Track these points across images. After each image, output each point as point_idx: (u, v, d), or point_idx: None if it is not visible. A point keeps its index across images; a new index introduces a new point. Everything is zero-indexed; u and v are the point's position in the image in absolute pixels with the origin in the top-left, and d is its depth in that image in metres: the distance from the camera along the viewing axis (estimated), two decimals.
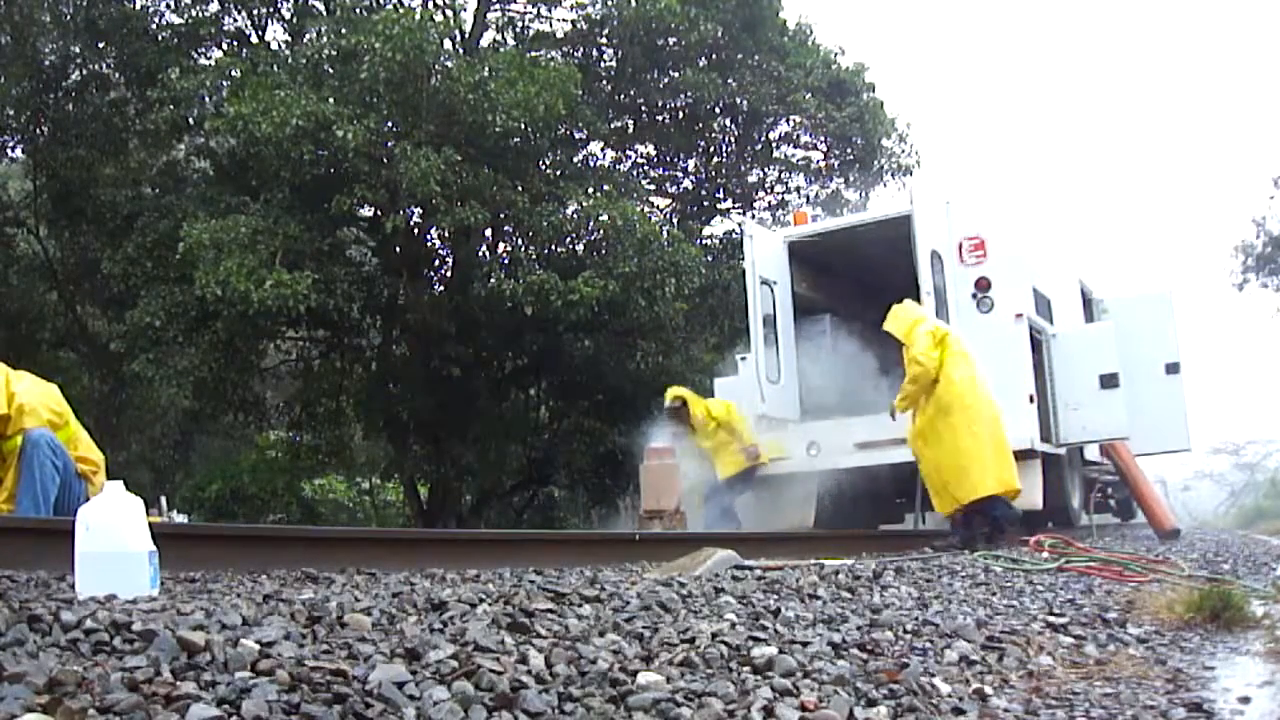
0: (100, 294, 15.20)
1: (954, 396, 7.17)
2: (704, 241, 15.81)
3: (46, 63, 14.87)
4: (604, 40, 15.04)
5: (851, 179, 16.32)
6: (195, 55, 14.68)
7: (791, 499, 9.53)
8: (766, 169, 16.89)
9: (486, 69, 12.75)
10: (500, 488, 16.52)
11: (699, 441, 9.45)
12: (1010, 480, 7.09)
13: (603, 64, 15.47)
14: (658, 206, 16.54)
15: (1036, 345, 9.18)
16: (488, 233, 14.64)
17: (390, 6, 13.41)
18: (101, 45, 14.59)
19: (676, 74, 14.60)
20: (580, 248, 13.89)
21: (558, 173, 14.52)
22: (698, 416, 9.35)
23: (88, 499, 4.98)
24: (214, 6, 14.74)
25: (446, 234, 14.41)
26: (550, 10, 15.46)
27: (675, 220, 15.93)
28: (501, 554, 4.25)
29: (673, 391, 9.59)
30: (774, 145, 16.44)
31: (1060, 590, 4.07)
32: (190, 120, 14.08)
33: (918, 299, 8.51)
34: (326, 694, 1.49)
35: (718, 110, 15.46)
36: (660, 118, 15.96)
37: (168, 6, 14.84)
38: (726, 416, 9.31)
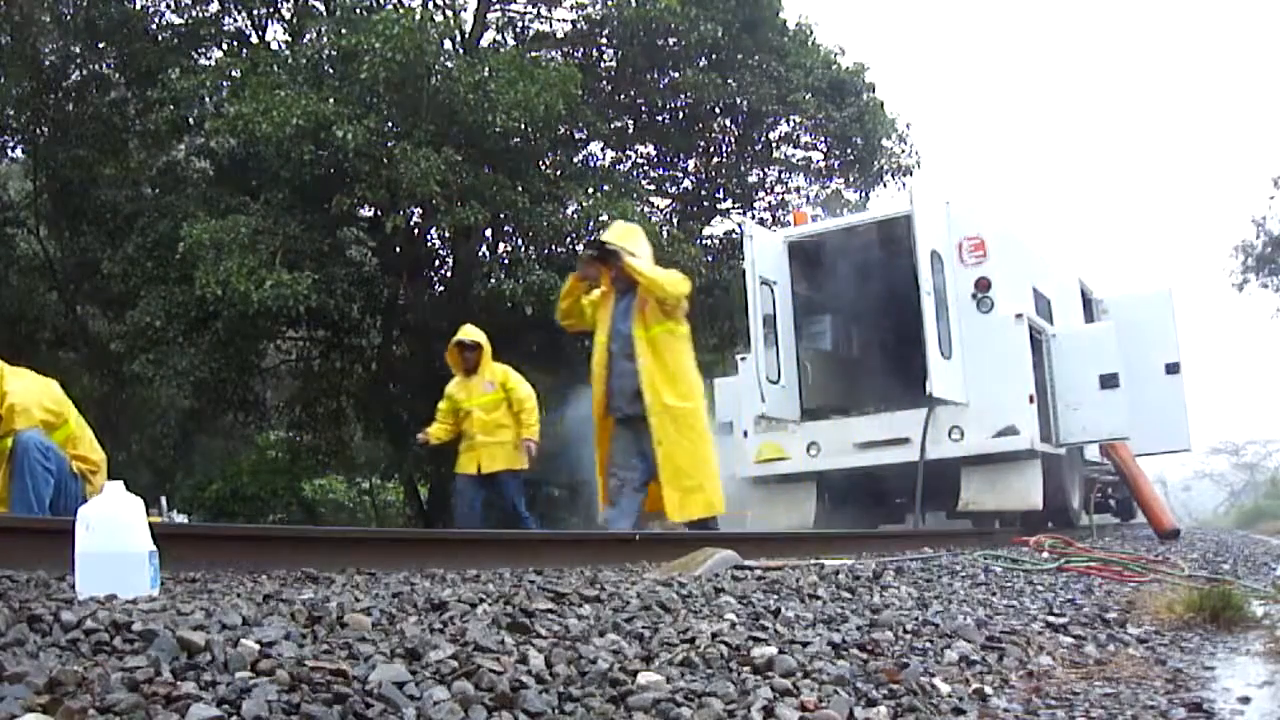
0: (100, 294, 15.21)
1: (699, 382, 6.29)
2: (704, 241, 15.81)
3: (46, 63, 14.87)
4: (604, 40, 15.05)
5: (851, 179, 16.33)
6: (195, 55, 14.69)
7: (791, 499, 9.54)
8: (766, 169, 16.90)
9: (486, 69, 12.76)
10: None
11: (463, 399, 7.94)
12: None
13: (603, 64, 15.47)
14: (658, 206, 16.56)
15: (1036, 345, 9.18)
16: (488, 233, 14.65)
17: (390, 6, 13.41)
18: (101, 45, 14.59)
19: (676, 74, 14.61)
20: (580, 248, 13.89)
21: (558, 173, 14.52)
22: (484, 376, 7.91)
23: (85, 499, 4.97)
24: (214, 6, 14.76)
25: (446, 234, 14.43)
26: (550, 10, 15.48)
27: (675, 220, 15.94)
28: (501, 554, 4.25)
29: (471, 329, 8.02)
30: (774, 145, 16.45)
31: (1060, 590, 4.07)
32: (190, 120, 14.09)
33: (918, 299, 8.52)
34: (326, 694, 1.49)
35: (718, 110, 15.47)
36: (660, 118, 15.97)
37: (168, 7, 14.88)
38: (519, 396, 7.88)
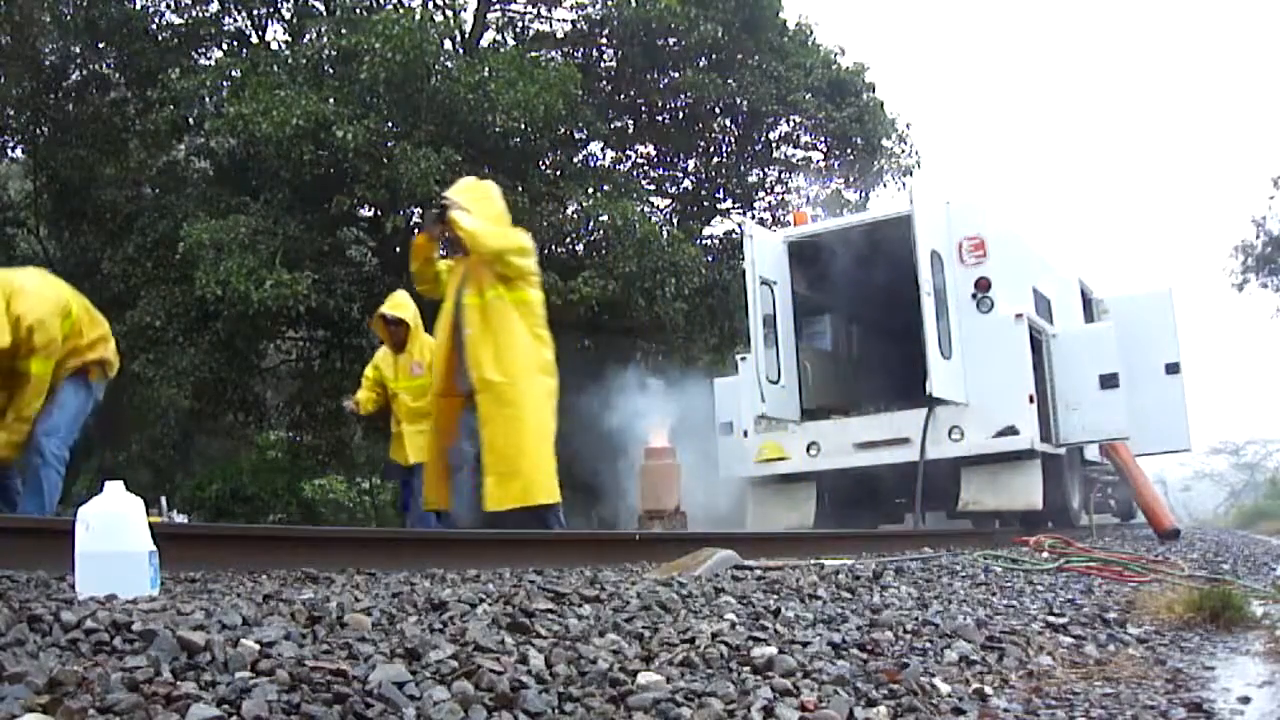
0: (100, 294, 15.18)
1: (537, 357, 5.58)
2: (704, 241, 15.81)
3: (47, 63, 14.88)
4: (604, 40, 15.06)
5: (851, 179, 16.33)
6: (195, 55, 14.70)
7: (791, 499, 9.54)
8: (766, 169, 16.90)
9: (486, 69, 12.76)
10: None
11: (391, 379, 7.16)
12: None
13: (603, 64, 15.48)
14: (658, 206, 16.56)
15: (1036, 345, 9.18)
16: None
17: (390, 6, 13.42)
18: (102, 45, 14.59)
19: (676, 74, 14.61)
20: (580, 248, 13.90)
21: (558, 173, 14.52)
22: (413, 356, 7.11)
23: (93, 394, 4.98)
24: (214, 7, 14.76)
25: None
26: (550, 10, 15.48)
27: (675, 220, 15.94)
28: (501, 554, 4.25)
29: (401, 302, 7.17)
30: (774, 145, 16.45)
31: (1060, 590, 4.07)
32: (190, 120, 14.09)
33: (918, 299, 8.52)
34: (326, 694, 1.49)
35: (718, 110, 15.46)
36: (660, 118, 15.97)
37: (168, 7, 14.87)
38: None
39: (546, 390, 5.61)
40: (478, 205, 5.66)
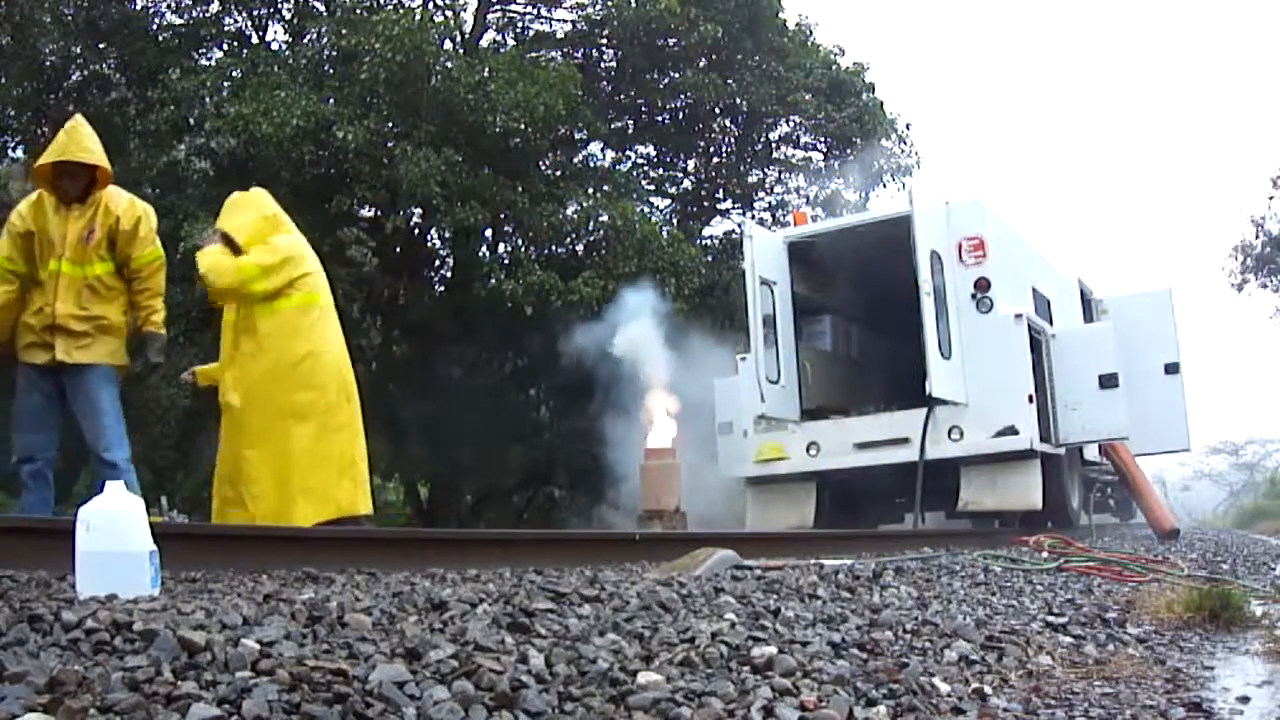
0: None
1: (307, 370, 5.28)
2: (704, 241, 15.81)
3: (47, 63, 14.85)
4: (604, 41, 15.06)
5: (851, 179, 16.33)
6: (196, 56, 14.68)
7: (791, 499, 9.55)
8: (766, 169, 16.90)
9: (486, 69, 12.76)
10: (500, 488, 16.51)
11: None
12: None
13: (603, 64, 15.48)
14: (658, 206, 16.56)
15: (1036, 345, 9.19)
16: (488, 233, 14.65)
17: (390, 7, 13.41)
18: (102, 46, 14.58)
19: (676, 74, 14.61)
20: (580, 248, 13.89)
21: (558, 173, 14.53)
22: None
23: None
24: (214, 7, 14.74)
25: (447, 234, 14.42)
26: (550, 11, 15.48)
27: (675, 220, 15.94)
28: (501, 554, 4.25)
29: None
30: (774, 146, 16.45)
31: (1060, 590, 4.07)
32: (191, 121, 14.08)
33: (917, 299, 8.52)
34: (327, 693, 1.49)
35: (718, 111, 15.46)
36: (660, 118, 15.97)
37: (168, 7, 14.85)
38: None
39: (290, 408, 5.19)
40: (232, 223, 5.45)
